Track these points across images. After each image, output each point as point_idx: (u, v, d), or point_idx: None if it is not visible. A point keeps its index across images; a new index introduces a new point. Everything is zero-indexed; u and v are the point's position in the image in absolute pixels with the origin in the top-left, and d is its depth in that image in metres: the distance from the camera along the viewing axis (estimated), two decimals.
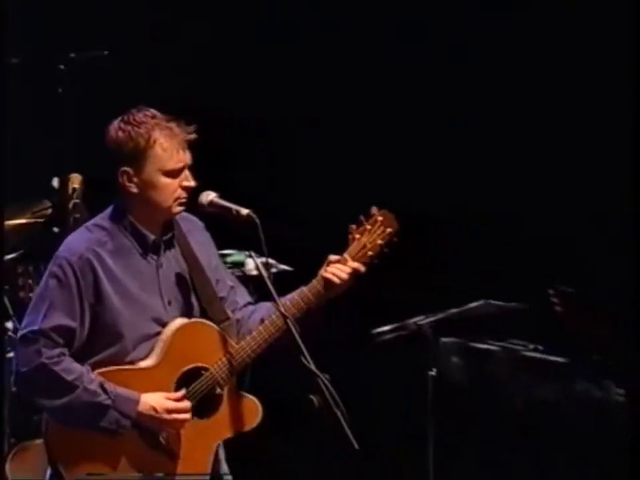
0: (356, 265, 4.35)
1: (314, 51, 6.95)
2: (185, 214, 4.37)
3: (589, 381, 5.86)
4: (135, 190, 4.19)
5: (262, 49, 7.01)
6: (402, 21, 6.93)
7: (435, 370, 5.67)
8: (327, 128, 6.97)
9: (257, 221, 4.14)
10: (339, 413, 3.96)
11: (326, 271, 4.31)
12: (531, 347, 5.94)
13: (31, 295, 5.53)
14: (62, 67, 5.80)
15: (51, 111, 6.15)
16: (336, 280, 4.26)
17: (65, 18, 6.95)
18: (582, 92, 6.49)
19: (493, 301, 5.75)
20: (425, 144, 6.87)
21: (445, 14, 6.82)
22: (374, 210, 4.29)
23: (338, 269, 4.32)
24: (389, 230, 4.28)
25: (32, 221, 5.86)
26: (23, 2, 6.63)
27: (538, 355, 5.95)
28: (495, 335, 6.09)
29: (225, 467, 4.46)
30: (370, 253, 4.27)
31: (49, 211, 5.84)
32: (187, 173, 4.21)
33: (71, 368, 4.17)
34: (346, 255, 4.26)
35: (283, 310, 4.19)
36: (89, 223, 4.39)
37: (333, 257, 4.32)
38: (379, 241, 4.28)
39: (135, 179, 4.19)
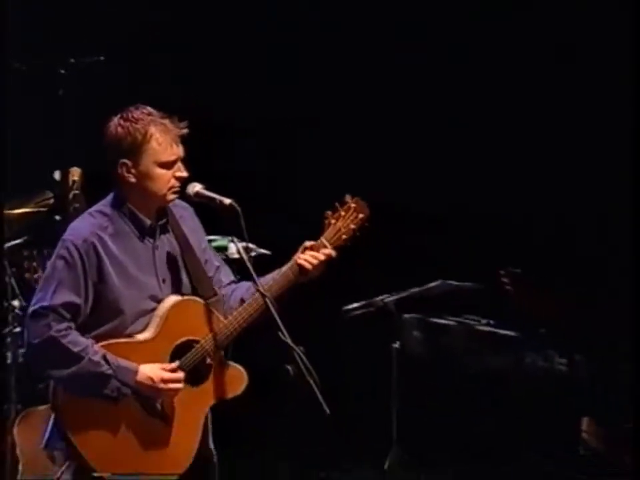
0: (328, 251, 4.46)
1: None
2: (177, 201, 4.46)
3: (535, 352, 6.12)
4: (132, 180, 4.33)
5: (261, 49, 6.94)
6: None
7: (398, 343, 5.96)
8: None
9: (239, 209, 4.27)
10: (311, 381, 4.09)
11: (299, 257, 4.45)
12: (484, 321, 6.22)
13: (35, 276, 5.73)
14: (62, 71, 5.87)
15: (52, 111, 6.06)
16: (308, 266, 4.40)
17: (64, 22, 6.71)
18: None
19: (449, 281, 6.06)
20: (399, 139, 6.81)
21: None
22: (347, 197, 4.46)
23: (311, 257, 4.46)
24: (361, 215, 4.46)
25: (35, 209, 5.99)
26: (23, 4, 6.44)
27: (490, 329, 6.23)
28: (451, 311, 6.35)
29: (211, 442, 4.60)
30: (344, 236, 4.44)
31: (51, 200, 5.95)
32: (179, 164, 4.34)
33: (77, 340, 4.29)
34: (322, 239, 4.43)
35: (262, 290, 4.26)
36: (91, 209, 4.54)
37: (308, 243, 4.46)
38: (352, 226, 4.45)
39: (133, 170, 4.32)
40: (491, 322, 6.27)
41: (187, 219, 4.51)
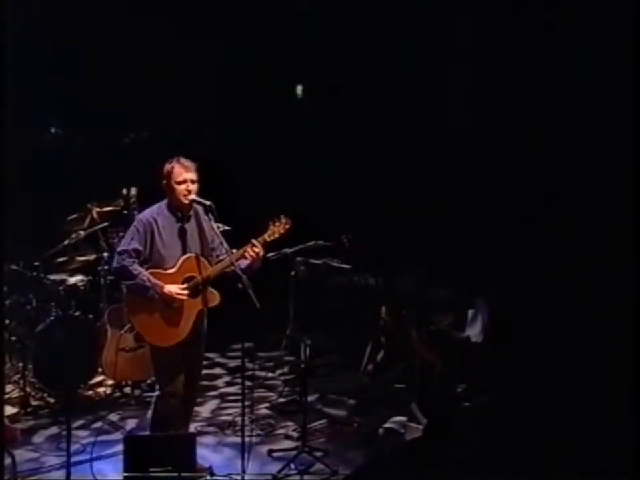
0: (259, 250, 5.60)
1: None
2: (196, 204, 5.65)
3: (358, 275, 7.87)
4: (167, 190, 5.73)
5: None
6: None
7: (293, 272, 8.18)
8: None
9: (213, 206, 5.66)
10: (250, 291, 5.50)
11: (246, 250, 5.66)
12: (335, 261, 8.13)
13: (115, 241, 7.39)
14: (126, 140, 7.80)
15: (122, 159, 8.02)
16: (250, 258, 5.73)
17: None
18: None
19: (320, 241, 7.93)
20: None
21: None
22: (282, 216, 5.72)
23: (252, 253, 5.61)
24: (287, 226, 5.72)
25: (114, 208, 7.74)
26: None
27: (337, 265, 8.10)
28: (319, 255, 8.15)
29: (205, 324, 5.84)
30: (276, 235, 5.68)
31: (122, 204, 7.61)
32: (188, 183, 5.69)
33: (136, 268, 5.69)
34: (265, 236, 5.67)
35: (230, 252, 5.67)
36: (153, 206, 5.77)
37: (254, 241, 5.69)
38: (282, 230, 5.70)
39: (166, 185, 5.74)
40: (339, 261, 8.10)
41: (201, 212, 5.83)
